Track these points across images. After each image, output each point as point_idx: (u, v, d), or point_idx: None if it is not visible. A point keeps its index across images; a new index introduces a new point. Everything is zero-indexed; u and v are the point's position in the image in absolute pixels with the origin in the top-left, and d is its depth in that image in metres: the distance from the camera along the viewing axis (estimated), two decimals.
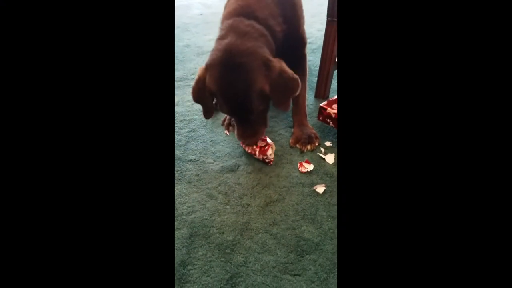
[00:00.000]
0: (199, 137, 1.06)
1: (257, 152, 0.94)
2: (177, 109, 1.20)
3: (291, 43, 1.01)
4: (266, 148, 0.93)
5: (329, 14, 1.07)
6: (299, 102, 1.03)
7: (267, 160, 0.94)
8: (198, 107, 1.23)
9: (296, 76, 0.85)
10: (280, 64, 0.83)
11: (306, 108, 1.08)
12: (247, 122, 0.87)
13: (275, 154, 0.98)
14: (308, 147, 0.98)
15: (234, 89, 0.80)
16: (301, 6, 1.07)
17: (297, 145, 1.00)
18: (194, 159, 0.97)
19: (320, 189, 0.86)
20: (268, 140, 0.96)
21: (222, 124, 1.12)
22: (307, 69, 1.13)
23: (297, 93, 0.85)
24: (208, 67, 0.83)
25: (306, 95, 1.09)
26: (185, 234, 0.75)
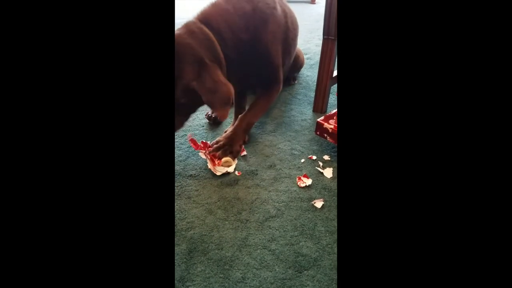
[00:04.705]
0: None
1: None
2: None
3: (263, 69, 1.05)
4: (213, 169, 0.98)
5: (325, 33, 1.10)
6: (246, 116, 1.08)
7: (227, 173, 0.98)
8: (199, 122, 1.25)
9: (229, 84, 0.89)
10: (214, 69, 0.89)
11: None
12: None
13: (274, 168, 1.00)
14: (220, 153, 0.99)
15: None
16: (274, 23, 1.07)
17: (214, 145, 1.02)
18: (194, 174, 0.98)
19: (319, 203, 0.87)
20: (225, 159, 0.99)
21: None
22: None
23: (230, 102, 0.89)
24: None
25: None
26: (184, 250, 0.75)
